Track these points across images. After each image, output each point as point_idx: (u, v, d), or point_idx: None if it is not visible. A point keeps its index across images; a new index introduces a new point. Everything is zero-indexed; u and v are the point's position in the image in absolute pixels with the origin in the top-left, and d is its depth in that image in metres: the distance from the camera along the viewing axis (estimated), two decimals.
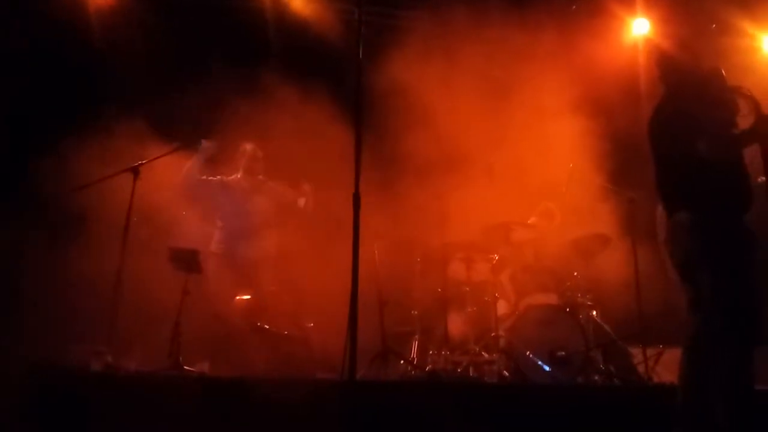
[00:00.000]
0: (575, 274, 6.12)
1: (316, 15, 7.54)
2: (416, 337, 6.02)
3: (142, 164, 5.38)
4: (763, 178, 4.56)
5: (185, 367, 5.15)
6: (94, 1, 7.19)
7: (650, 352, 5.76)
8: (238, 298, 5.97)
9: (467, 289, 5.97)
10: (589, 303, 6.08)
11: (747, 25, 7.46)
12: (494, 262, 6.05)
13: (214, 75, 6.91)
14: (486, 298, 6.08)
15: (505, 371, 5.46)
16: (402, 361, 5.86)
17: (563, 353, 5.39)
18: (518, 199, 6.80)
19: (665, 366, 5.92)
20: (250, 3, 7.55)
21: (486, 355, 5.65)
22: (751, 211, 3.57)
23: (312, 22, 7.53)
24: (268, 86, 6.68)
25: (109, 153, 5.97)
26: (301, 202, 6.37)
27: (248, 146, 6.41)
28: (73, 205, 5.72)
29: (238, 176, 6.37)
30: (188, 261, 5.46)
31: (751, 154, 3.69)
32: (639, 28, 7.92)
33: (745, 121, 3.69)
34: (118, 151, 5.96)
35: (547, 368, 5.34)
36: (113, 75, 6.85)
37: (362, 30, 3.77)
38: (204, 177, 6.19)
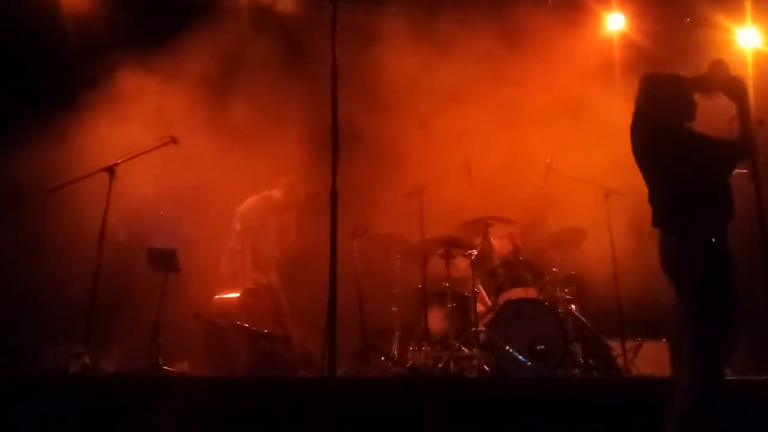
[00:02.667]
0: (554, 269, 6.16)
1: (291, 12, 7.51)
2: (396, 333, 6.02)
3: (117, 164, 5.31)
4: (746, 170, 4.68)
5: (165, 368, 5.12)
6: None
7: (629, 344, 5.83)
8: (217, 297, 5.96)
9: (447, 284, 5.99)
10: (568, 297, 6.14)
11: (721, 19, 7.53)
12: (473, 257, 6.07)
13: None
14: (465, 294, 6.10)
15: (485, 366, 5.49)
16: (382, 358, 5.86)
17: (543, 347, 5.43)
18: (496, 194, 6.83)
19: (644, 358, 5.99)
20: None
21: (466, 351, 5.67)
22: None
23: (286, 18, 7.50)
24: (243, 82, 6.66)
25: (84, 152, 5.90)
26: (276, 194, 6.42)
27: (294, 180, 6.51)
28: (49, 205, 5.66)
29: (274, 201, 6.48)
30: (166, 261, 5.42)
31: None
32: (614, 23, 7.96)
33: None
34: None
35: (527, 362, 5.37)
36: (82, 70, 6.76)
37: (336, 27, 3.76)
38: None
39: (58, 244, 5.91)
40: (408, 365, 5.65)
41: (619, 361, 5.76)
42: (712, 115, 3.94)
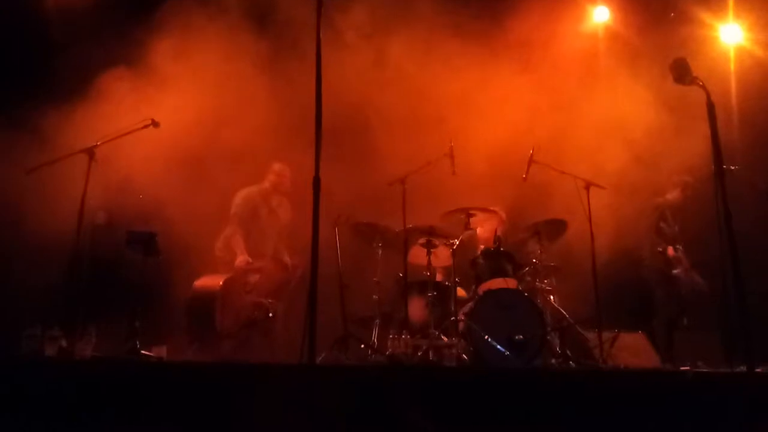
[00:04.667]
0: (534, 260, 6.20)
1: None
2: (376, 321, 6.03)
3: (97, 145, 5.23)
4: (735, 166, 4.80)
5: (143, 352, 5.08)
6: None
7: (606, 336, 5.88)
8: (197, 283, 5.93)
9: (427, 273, 6.00)
10: (547, 288, 6.19)
11: (704, 15, 7.59)
12: (455, 246, 6.09)
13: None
14: (446, 283, 6.13)
15: (464, 355, 5.53)
16: (362, 345, 5.88)
17: (521, 337, 5.47)
18: (479, 184, 6.85)
19: (620, 349, 6.06)
20: None
21: (445, 340, 5.71)
22: None
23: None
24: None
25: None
26: (266, 183, 6.62)
27: (280, 166, 6.65)
28: (27, 186, 5.57)
29: (265, 190, 6.64)
30: (146, 244, 5.36)
31: None
32: (599, 15, 8.00)
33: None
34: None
35: (505, 352, 5.40)
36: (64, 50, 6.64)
37: (321, 10, 3.72)
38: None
39: (35, 226, 5.81)
40: (387, 353, 5.68)
41: (596, 351, 5.81)
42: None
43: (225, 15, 7.13)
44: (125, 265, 5.69)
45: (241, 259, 6.28)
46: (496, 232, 6.36)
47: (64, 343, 4.85)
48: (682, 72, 4.26)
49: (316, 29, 3.54)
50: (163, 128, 5.55)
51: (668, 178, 7.13)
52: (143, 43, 6.75)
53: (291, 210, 6.74)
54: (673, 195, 7.07)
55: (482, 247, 6.51)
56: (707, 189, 4.29)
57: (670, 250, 6.78)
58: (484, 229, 6.67)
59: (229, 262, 6.36)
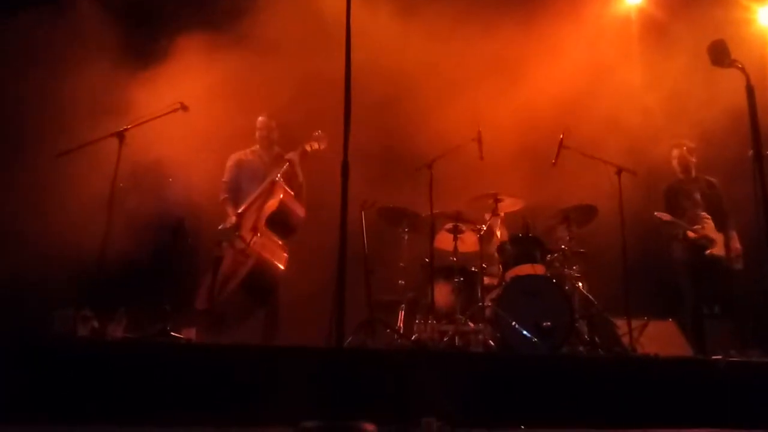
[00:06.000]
0: (563, 246, 6.13)
1: None
2: (402, 306, 6.04)
3: (127, 129, 5.27)
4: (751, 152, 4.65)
5: (172, 334, 5.14)
6: None
7: (635, 323, 5.81)
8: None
9: (454, 259, 5.98)
10: (576, 275, 6.12)
11: None
12: (482, 232, 6.05)
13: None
14: (473, 269, 6.10)
15: (490, 341, 5.51)
16: (388, 330, 5.89)
17: (549, 324, 5.43)
18: (507, 169, 6.78)
19: (649, 338, 5.98)
20: None
21: (472, 325, 5.69)
22: None
23: None
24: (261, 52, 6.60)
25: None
26: (314, 145, 6.13)
27: (261, 118, 6.34)
28: (58, 169, 5.65)
29: (255, 150, 6.32)
30: (174, 228, 5.42)
31: None
32: None
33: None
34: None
35: (532, 338, 5.37)
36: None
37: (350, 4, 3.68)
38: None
39: (66, 209, 5.90)
40: (413, 338, 5.68)
41: (625, 339, 5.74)
42: None
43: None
44: (154, 249, 5.75)
45: (228, 219, 5.93)
46: (524, 217, 6.30)
47: (96, 324, 4.93)
48: (720, 54, 4.15)
49: (347, 11, 3.50)
50: (192, 112, 5.56)
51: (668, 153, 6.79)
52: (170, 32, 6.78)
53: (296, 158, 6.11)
54: (673, 165, 6.70)
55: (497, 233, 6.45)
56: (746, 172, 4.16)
57: (689, 233, 6.37)
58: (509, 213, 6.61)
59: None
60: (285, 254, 5.73)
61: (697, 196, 6.53)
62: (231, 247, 5.68)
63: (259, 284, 5.59)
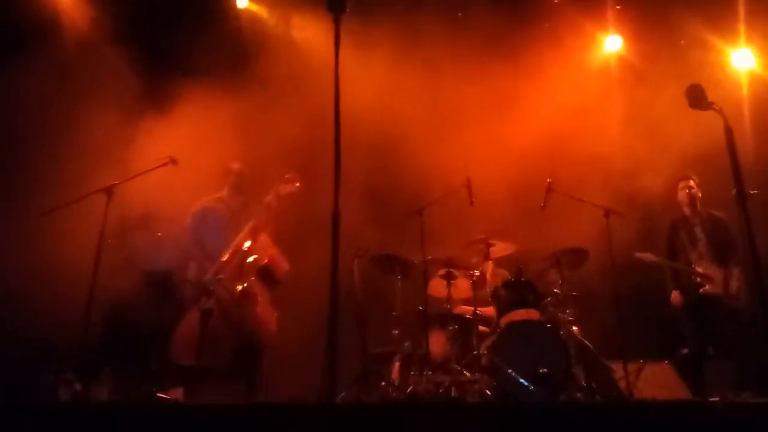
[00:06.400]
0: (555, 290, 6.09)
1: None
2: (397, 357, 5.92)
3: (116, 184, 5.20)
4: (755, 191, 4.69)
5: (159, 395, 4.97)
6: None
7: (631, 367, 5.73)
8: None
9: (448, 306, 5.91)
10: (569, 318, 6.06)
11: (715, 41, 7.58)
12: (475, 278, 6.00)
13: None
14: (467, 316, 6.02)
15: (487, 390, 5.40)
16: (383, 383, 5.76)
17: (545, 370, 5.34)
18: (497, 214, 6.79)
19: (646, 380, 5.92)
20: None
21: (468, 375, 5.58)
22: None
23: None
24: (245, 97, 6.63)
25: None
26: (286, 188, 5.98)
27: (237, 165, 6.21)
28: (45, 227, 5.55)
29: (222, 197, 6.11)
30: (163, 284, 5.30)
31: None
32: (611, 45, 8.01)
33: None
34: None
35: (529, 386, 5.27)
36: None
37: (339, 46, 3.69)
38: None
39: (51, 267, 5.77)
40: (409, 390, 5.55)
41: (622, 383, 5.66)
42: None
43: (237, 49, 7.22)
44: (141, 305, 5.61)
45: (208, 270, 5.65)
46: (516, 262, 6.27)
47: (78, 386, 4.77)
48: (698, 97, 4.24)
49: (335, 57, 3.50)
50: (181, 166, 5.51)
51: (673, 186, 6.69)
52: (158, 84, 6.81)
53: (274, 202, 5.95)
54: (678, 200, 6.58)
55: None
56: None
57: (695, 269, 6.27)
58: (501, 258, 6.58)
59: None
60: (275, 313, 5.59)
61: (699, 231, 6.44)
62: (219, 300, 5.49)
63: (250, 347, 5.42)
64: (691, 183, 6.52)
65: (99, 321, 4.95)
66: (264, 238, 5.79)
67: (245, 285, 5.51)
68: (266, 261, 5.67)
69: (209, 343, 5.27)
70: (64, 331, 5.20)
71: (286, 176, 5.97)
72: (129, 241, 6.08)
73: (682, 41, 7.76)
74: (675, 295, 6.36)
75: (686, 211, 6.53)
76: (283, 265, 5.77)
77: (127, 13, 7.15)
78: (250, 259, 5.63)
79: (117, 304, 5.64)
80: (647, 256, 6.38)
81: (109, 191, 5.10)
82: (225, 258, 5.65)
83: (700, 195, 6.55)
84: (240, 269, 5.59)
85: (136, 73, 6.84)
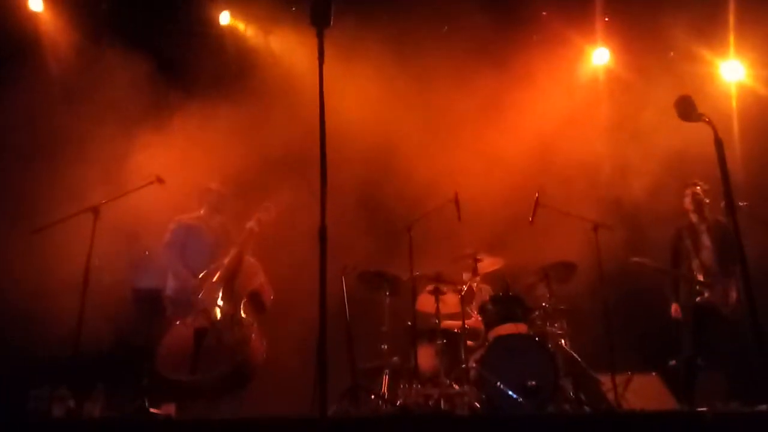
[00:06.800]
0: (544, 304, 6.14)
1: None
2: (386, 371, 5.96)
3: (103, 204, 5.25)
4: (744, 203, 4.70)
5: (151, 410, 5.01)
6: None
7: (619, 378, 5.77)
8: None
9: (436, 321, 5.96)
10: (558, 332, 6.12)
11: (704, 53, 7.64)
12: (463, 292, 6.05)
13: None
14: (455, 330, 6.07)
15: (476, 403, 5.44)
16: (372, 397, 5.80)
17: (534, 383, 5.38)
18: (485, 229, 6.84)
19: (634, 392, 5.95)
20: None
21: (457, 388, 5.62)
22: None
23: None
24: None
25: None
26: (265, 216, 6.06)
27: (216, 185, 6.23)
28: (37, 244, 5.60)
29: (200, 216, 6.12)
30: (152, 302, 5.35)
31: None
32: (599, 57, 8.07)
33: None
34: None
35: (518, 399, 5.31)
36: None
37: (323, 60, 3.73)
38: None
39: (43, 285, 5.83)
40: (398, 404, 5.59)
41: (610, 395, 5.70)
42: None
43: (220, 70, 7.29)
44: (132, 322, 5.66)
45: (191, 284, 5.69)
46: (504, 276, 6.32)
47: (72, 403, 4.80)
48: (687, 109, 4.23)
49: (319, 71, 3.53)
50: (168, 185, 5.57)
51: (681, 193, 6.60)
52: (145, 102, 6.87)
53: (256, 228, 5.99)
54: (685, 207, 6.49)
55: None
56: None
57: (698, 276, 6.18)
58: (489, 272, 6.63)
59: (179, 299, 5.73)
60: (265, 342, 5.64)
61: (705, 239, 6.34)
62: (213, 320, 5.50)
63: (241, 371, 5.42)
64: (697, 189, 6.40)
65: (91, 338, 4.99)
66: (253, 262, 5.86)
67: (240, 310, 5.56)
68: (256, 286, 5.72)
69: (202, 361, 5.28)
70: (57, 348, 5.26)
71: (265, 204, 6.05)
72: (117, 259, 6.13)
73: (671, 53, 7.82)
74: (674, 308, 6.34)
75: (693, 218, 6.42)
76: (270, 294, 5.83)
77: (110, 30, 7.19)
78: (240, 281, 5.68)
79: (109, 321, 5.69)
80: (645, 261, 6.30)
81: (96, 210, 5.14)
82: (215, 279, 5.70)
83: (707, 201, 6.39)
84: (231, 291, 5.62)
85: (121, 91, 6.90)
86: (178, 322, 5.49)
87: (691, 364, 6.21)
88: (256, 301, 5.71)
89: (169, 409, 5.26)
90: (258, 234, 5.96)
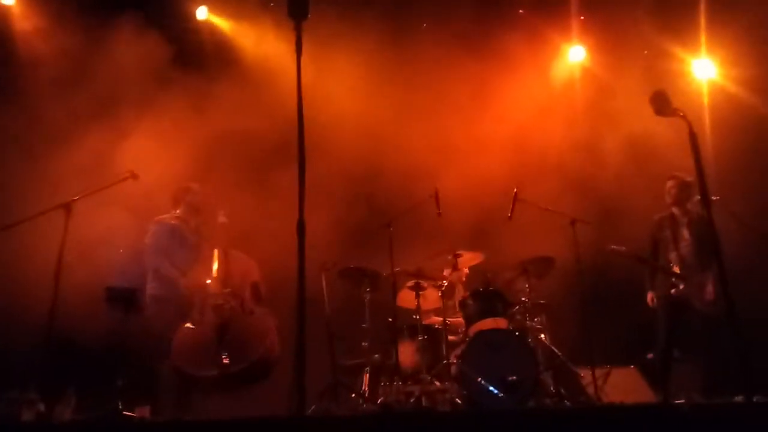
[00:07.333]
0: (523, 298, 6.14)
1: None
2: (367, 369, 5.91)
3: (75, 200, 5.09)
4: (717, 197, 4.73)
5: (125, 413, 4.88)
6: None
7: (598, 372, 5.80)
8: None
9: (417, 317, 5.92)
10: (537, 326, 6.13)
11: (677, 50, 7.74)
12: (443, 288, 6.02)
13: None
14: (436, 326, 6.04)
15: (457, 399, 5.41)
16: (353, 395, 5.74)
17: (514, 378, 5.38)
18: (465, 225, 6.83)
19: (613, 385, 5.98)
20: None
21: (438, 384, 5.60)
22: None
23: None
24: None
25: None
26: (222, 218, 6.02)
27: (195, 185, 6.14)
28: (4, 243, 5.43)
29: (179, 215, 6.03)
30: (126, 301, 5.21)
31: None
32: (575, 55, 8.13)
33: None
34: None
35: (499, 394, 5.30)
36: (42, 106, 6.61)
37: (300, 54, 3.67)
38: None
39: (10, 285, 5.65)
40: (379, 401, 5.55)
41: (590, 389, 5.72)
42: None
43: (198, 65, 7.18)
44: (104, 322, 5.51)
45: (184, 283, 5.69)
46: (484, 271, 6.31)
47: (41, 407, 4.66)
48: (662, 104, 4.24)
49: (297, 64, 3.47)
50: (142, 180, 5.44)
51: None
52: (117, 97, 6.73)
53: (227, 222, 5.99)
54: (666, 198, 6.49)
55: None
56: None
57: (674, 268, 6.21)
58: (470, 267, 6.63)
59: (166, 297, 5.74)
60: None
61: (685, 231, 6.36)
62: (233, 314, 5.52)
63: (267, 359, 5.52)
64: (674, 183, 6.41)
65: (62, 339, 4.84)
66: (243, 255, 5.87)
67: (248, 302, 5.67)
68: (256, 278, 5.78)
69: (229, 354, 5.33)
70: (25, 350, 5.11)
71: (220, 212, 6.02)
72: (90, 257, 5.99)
73: (645, 51, 7.92)
74: (650, 297, 6.39)
75: (674, 210, 6.43)
76: (264, 285, 5.85)
77: (85, 24, 7.03)
78: (238, 274, 5.72)
79: (80, 322, 5.54)
80: (622, 251, 6.27)
81: (67, 207, 4.97)
82: (214, 275, 5.69)
83: (689, 193, 6.36)
84: (233, 285, 5.66)
85: (97, 85, 6.76)
86: (188, 324, 5.51)
87: (665, 356, 6.24)
88: (256, 292, 5.75)
89: (144, 411, 5.14)
90: (230, 226, 5.91)
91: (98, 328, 5.67)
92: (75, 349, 5.69)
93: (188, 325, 5.50)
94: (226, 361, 5.24)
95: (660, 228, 6.47)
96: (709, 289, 6.08)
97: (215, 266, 5.71)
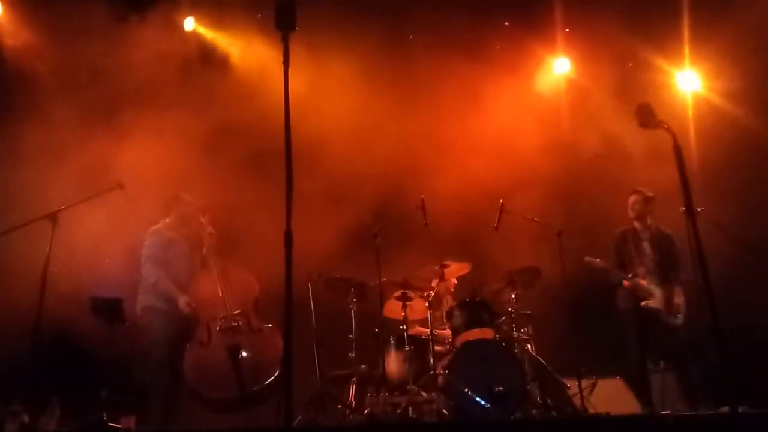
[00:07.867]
0: (510, 309, 6.16)
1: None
2: (354, 379, 5.90)
3: (60, 210, 5.07)
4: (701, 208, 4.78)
5: (110, 424, 4.85)
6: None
7: (585, 383, 5.82)
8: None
9: (404, 327, 5.92)
10: (524, 337, 6.14)
11: (661, 63, 7.83)
12: (430, 298, 6.04)
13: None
14: (423, 336, 6.05)
15: (444, 410, 5.41)
16: (339, 405, 5.73)
17: (501, 388, 5.38)
18: (452, 235, 6.85)
19: (599, 396, 6.00)
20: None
21: (425, 395, 5.59)
22: None
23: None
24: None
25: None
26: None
27: (187, 196, 6.10)
28: None
29: (172, 225, 6.01)
30: (112, 311, 5.19)
31: None
32: (560, 67, 8.22)
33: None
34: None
35: (485, 405, 5.30)
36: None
37: (288, 65, 3.69)
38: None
39: None
40: (366, 412, 5.53)
41: (576, 400, 5.74)
42: None
43: (185, 76, 7.18)
44: (89, 333, 5.48)
45: (184, 301, 5.61)
46: (470, 282, 6.33)
47: (26, 418, 4.62)
48: (647, 116, 4.29)
49: (284, 79, 3.49)
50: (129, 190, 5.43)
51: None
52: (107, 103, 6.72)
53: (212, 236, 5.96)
54: (629, 212, 6.64)
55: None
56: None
57: (624, 282, 6.36)
58: (456, 278, 6.65)
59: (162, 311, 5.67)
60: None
61: (646, 246, 6.52)
62: (245, 335, 5.51)
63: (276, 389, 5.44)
64: (637, 198, 6.58)
65: (47, 350, 4.81)
66: (239, 269, 5.88)
67: (254, 318, 5.64)
68: (257, 293, 5.76)
69: (246, 374, 5.31)
70: (10, 361, 5.06)
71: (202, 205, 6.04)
72: (75, 268, 5.95)
73: (630, 63, 8.01)
74: (626, 283, 6.40)
75: (636, 225, 6.61)
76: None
77: (70, 34, 7.03)
78: (238, 291, 5.72)
79: (65, 333, 5.51)
80: (597, 263, 6.42)
81: (53, 217, 4.96)
82: (220, 294, 5.66)
83: (650, 209, 6.57)
84: (235, 302, 5.63)
85: (83, 96, 6.74)
86: (196, 344, 5.50)
87: (641, 367, 6.35)
88: (258, 306, 5.74)
89: (129, 422, 5.11)
90: (217, 236, 5.92)
91: (83, 338, 5.64)
92: (60, 360, 5.64)
93: (196, 345, 5.48)
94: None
95: (623, 241, 6.64)
96: (675, 300, 6.30)
97: (218, 285, 5.69)
